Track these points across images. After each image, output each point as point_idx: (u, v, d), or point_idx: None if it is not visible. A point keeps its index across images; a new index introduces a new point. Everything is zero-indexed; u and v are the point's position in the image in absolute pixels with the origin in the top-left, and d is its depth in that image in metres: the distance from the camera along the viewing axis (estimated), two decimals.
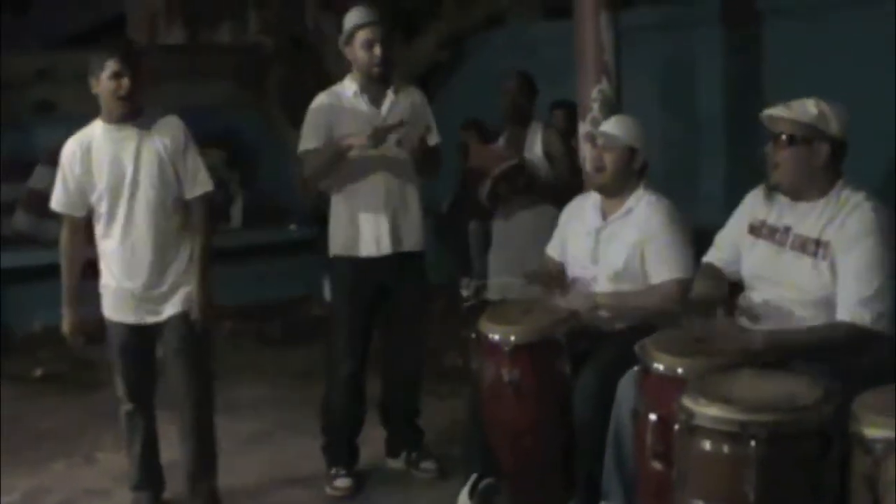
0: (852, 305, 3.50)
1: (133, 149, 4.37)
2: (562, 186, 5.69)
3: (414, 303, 4.97)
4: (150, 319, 4.48)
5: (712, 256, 4.08)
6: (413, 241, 4.90)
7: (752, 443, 2.97)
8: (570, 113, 6.25)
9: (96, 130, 4.40)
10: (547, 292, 4.42)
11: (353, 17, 4.79)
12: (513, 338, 4.12)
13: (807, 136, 3.63)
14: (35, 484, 5.13)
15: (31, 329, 7.69)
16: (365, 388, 5.00)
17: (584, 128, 5.52)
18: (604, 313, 4.28)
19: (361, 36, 4.75)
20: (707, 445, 3.09)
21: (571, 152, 6.05)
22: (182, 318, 4.45)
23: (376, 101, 4.81)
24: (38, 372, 7.05)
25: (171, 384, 4.53)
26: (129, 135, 4.37)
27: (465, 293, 8.82)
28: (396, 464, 5.09)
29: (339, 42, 4.83)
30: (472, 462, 4.48)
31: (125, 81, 4.27)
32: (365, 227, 4.81)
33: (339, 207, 4.86)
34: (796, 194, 3.72)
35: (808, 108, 3.64)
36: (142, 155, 4.37)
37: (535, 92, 6.12)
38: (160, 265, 4.43)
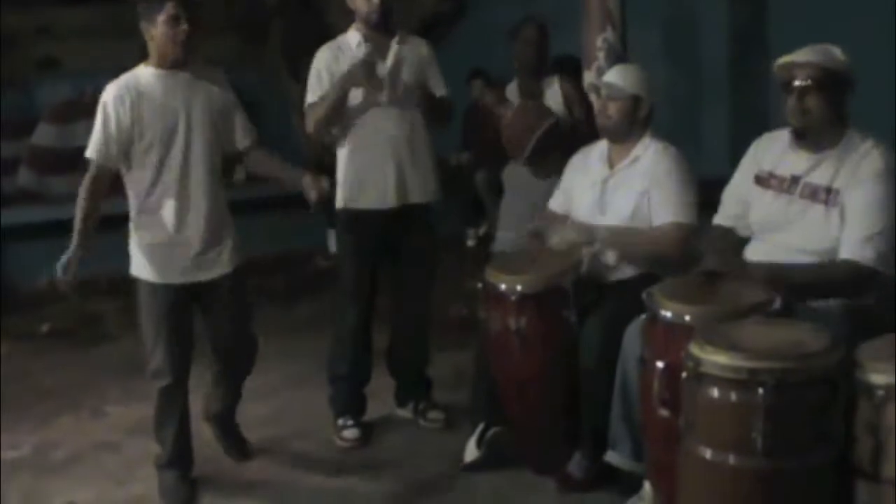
0: (855, 244, 3.51)
1: (185, 96, 4.23)
2: (583, 137, 5.62)
3: (421, 255, 4.97)
4: (203, 277, 4.33)
5: (721, 216, 4.07)
6: (420, 193, 4.89)
7: (760, 390, 2.99)
8: (576, 70, 6.16)
9: (144, 75, 4.22)
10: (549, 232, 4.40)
11: None
12: (519, 287, 4.12)
13: (833, 82, 3.63)
14: (43, 438, 5.16)
15: (35, 286, 7.69)
16: (372, 339, 5.02)
17: (588, 77, 5.49)
18: (603, 254, 4.26)
19: None
20: (714, 393, 3.10)
21: (590, 104, 5.98)
22: (232, 276, 4.38)
23: (380, 52, 4.78)
24: (45, 328, 7.07)
25: (218, 342, 4.49)
26: (181, 82, 4.24)
27: (470, 244, 8.86)
28: (404, 413, 5.12)
29: None
30: (479, 412, 4.51)
31: (183, 26, 4.12)
32: (369, 180, 4.80)
33: (344, 160, 4.85)
34: (818, 144, 3.70)
35: (834, 53, 3.64)
36: (194, 103, 4.25)
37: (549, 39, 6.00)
38: (216, 218, 4.33)
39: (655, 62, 6.34)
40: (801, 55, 3.67)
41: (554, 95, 5.55)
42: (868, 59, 5.50)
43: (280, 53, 8.18)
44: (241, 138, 4.44)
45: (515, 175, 5.54)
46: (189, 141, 4.24)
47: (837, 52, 3.66)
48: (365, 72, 4.61)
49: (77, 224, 4.18)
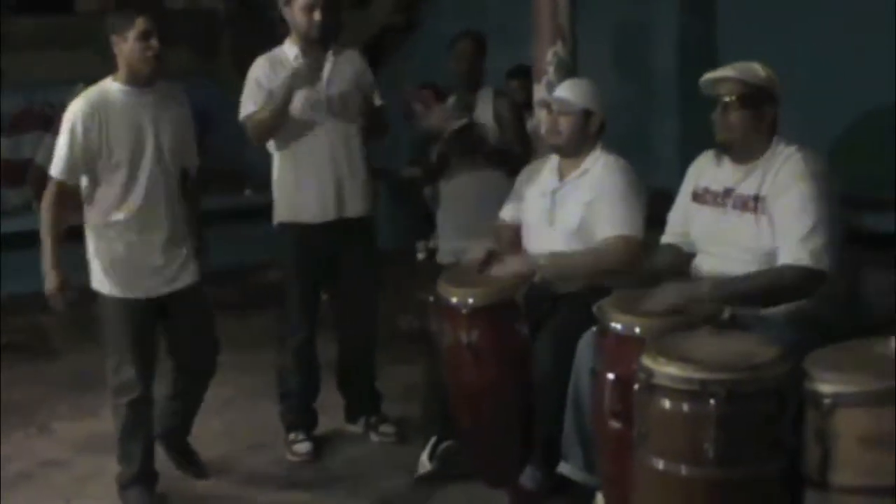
0: (790, 247, 3.55)
1: (153, 114, 4.21)
2: (510, 154, 5.67)
3: (363, 268, 4.94)
4: (165, 290, 4.31)
5: (668, 235, 4.12)
6: (359, 206, 4.87)
7: (712, 401, 3.01)
8: (526, 80, 6.19)
9: (112, 91, 4.18)
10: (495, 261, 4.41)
11: None
12: (471, 300, 4.13)
13: (756, 97, 3.70)
14: None
15: None
16: (317, 354, 5.00)
17: (539, 91, 5.50)
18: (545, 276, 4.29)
19: (301, 0, 4.70)
20: (667, 404, 3.12)
21: (522, 122, 6.02)
22: (196, 287, 4.40)
23: (316, 65, 4.76)
24: (4, 340, 6.95)
25: (182, 353, 4.47)
26: (150, 100, 4.22)
27: (420, 256, 8.85)
28: (355, 428, 5.10)
29: (279, 3, 4.79)
30: (431, 425, 4.51)
31: (154, 42, 4.10)
32: (309, 194, 4.79)
33: (283, 174, 4.83)
34: (744, 156, 3.77)
35: (756, 70, 3.73)
36: (161, 121, 4.23)
37: (485, 53, 6.03)
38: (179, 233, 4.33)
39: (606, 75, 6.37)
40: (722, 72, 3.76)
41: (485, 110, 5.59)
42: (818, 71, 5.59)
43: (232, 65, 8.16)
44: (192, 157, 4.47)
45: (451, 186, 5.57)
46: (157, 159, 4.23)
47: (758, 67, 3.74)
48: (310, 73, 4.62)
49: (45, 235, 4.15)
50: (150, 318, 4.33)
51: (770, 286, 3.58)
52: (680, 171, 4.17)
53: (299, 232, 4.82)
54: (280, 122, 4.70)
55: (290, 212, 4.82)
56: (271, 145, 4.85)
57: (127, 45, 4.11)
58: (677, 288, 3.67)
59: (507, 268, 4.31)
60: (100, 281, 4.29)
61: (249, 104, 4.77)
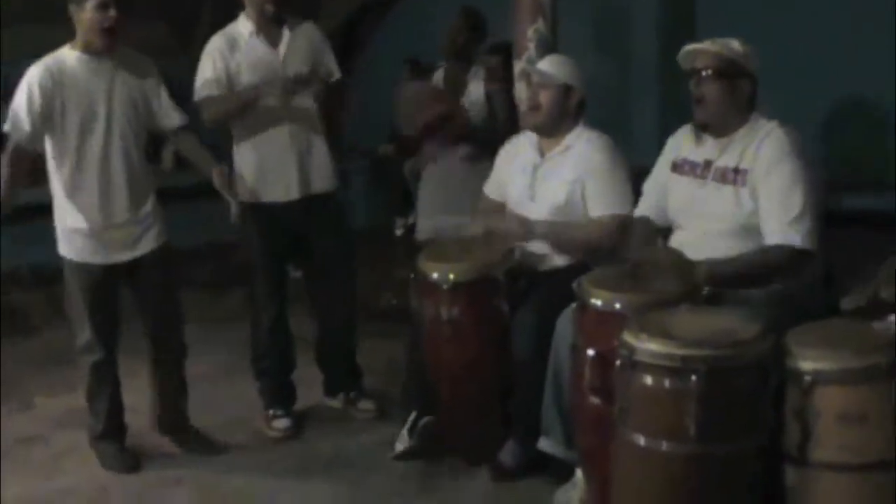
0: (782, 228, 3.58)
1: (107, 82, 4.32)
2: (501, 134, 5.64)
3: (335, 243, 4.92)
4: (126, 256, 4.42)
5: (643, 206, 4.13)
6: (322, 183, 4.86)
7: (693, 377, 3.02)
8: (507, 57, 6.17)
9: (69, 59, 4.30)
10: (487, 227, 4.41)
11: None
12: (451, 276, 4.12)
13: (731, 71, 3.74)
14: None
15: None
16: (290, 330, 5.01)
17: (519, 66, 5.50)
18: (537, 245, 4.30)
19: None
20: (648, 380, 3.13)
21: (513, 99, 6.00)
22: (158, 253, 4.48)
23: (273, 41, 4.75)
24: None
25: (147, 322, 4.55)
26: (105, 68, 4.32)
27: (398, 233, 8.85)
28: (335, 403, 5.10)
29: None
30: (411, 401, 4.50)
31: (111, 12, 4.20)
32: (272, 173, 4.76)
33: (244, 154, 4.80)
34: (721, 129, 3.80)
35: (732, 44, 3.76)
36: (115, 88, 4.33)
37: (483, 31, 5.97)
38: (136, 200, 4.41)
39: (586, 54, 6.36)
40: (700, 45, 3.79)
41: (477, 88, 5.57)
42: (795, 51, 5.62)
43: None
44: (165, 118, 4.51)
45: (431, 167, 5.56)
46: (110, 125, 4.33)
47: (736, 42, 3.77)
48: (286, 90, 4.61)
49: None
50: (110, 282, 4.43)
51: (761, 266, 3.62)
52: (659, 148, 4.18)
53: (263, 212, 4.78)
54: (238, 117, 4.69)
55: (253, 192, 4.78)
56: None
57: (85, 15, 4.22)
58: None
59: (507, 225, 4.34)
60: (62, 245, 4.42)
61: (204, 87, 4.72)
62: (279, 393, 4.96)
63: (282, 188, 4.77)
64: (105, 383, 4.52)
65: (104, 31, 4.23)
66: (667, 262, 3.65)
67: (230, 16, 4.84)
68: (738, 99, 3.76)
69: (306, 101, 4.76)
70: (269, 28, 4.73)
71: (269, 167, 4.76)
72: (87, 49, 4.29)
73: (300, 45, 4.78)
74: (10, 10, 8.84)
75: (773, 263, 3.61)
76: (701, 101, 3.77)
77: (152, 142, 4.62)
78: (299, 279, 5.23)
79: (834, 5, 5.99)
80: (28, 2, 8.87)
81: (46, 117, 4.24)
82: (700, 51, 3.78)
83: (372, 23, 9.40)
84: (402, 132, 6.03)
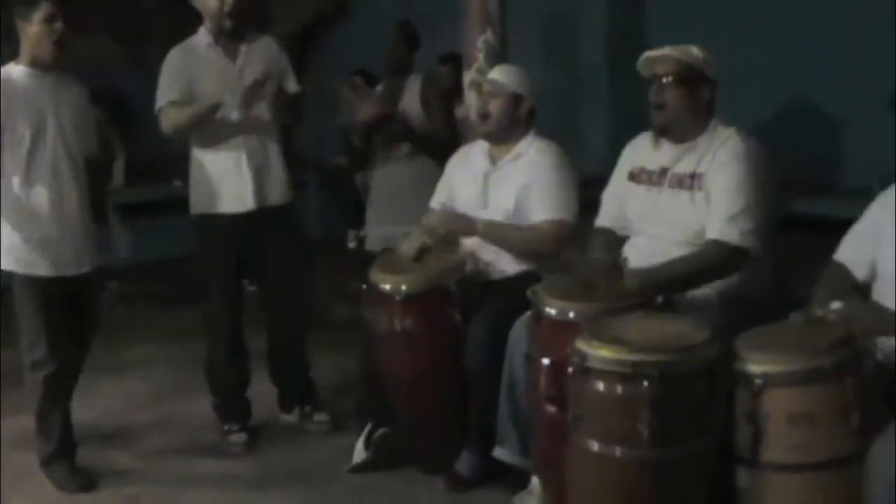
0: (718, 224, 3.63)
1: (53, 96, 4.30)
2: (437, 140, 5.70)
3: (289, 256, 4.91)
4: (76, 271, 4.40)
5: (602, 217, 4.16)
6: (277, 194, 4.84)
7: (645, 383, 3.04)
8: (456, 67, 6.24)
9: (16, 72, 4.28)
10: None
11: None
12: (404, 287, 4.13)
13: (692, 77, 3.78)
14: None
15: None
16: (245, 344, 4.99)
17: (468, 76, 5.53)
18: (488, 254, 4.32)
19: None
20: (601, 386, 3.14)
21: (449, 108, 6.06)
22: (91, 278, 4.47)
23: (230, 52, 4.75)
24: None
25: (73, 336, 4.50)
26: (50, 82, 4.31)
27: (351, 245, 8.83)
28: (290, 418, 5.07)
29: None
30: (365, 413, 4.50)
31: (58, 25, 4.20)
32: (227, 185, 4.74)
33: (199, 166, 4.78)
34: (680, 135, 3.83)
35: (692, 50, 3.81)
36: (61, 103, 4.32)
37: (416, 42, 6.07)
38: (83, 214, 4.40)
39: (535, 63, 6.41)
40: (661, 50, 3.82)
41: (412, 96, 5.62)
42: (744, 57, 5.67)
43: (161, 55, 8.11)
44: (91, 145, 4.51)
45: (380, 174, 5.60)
46: (58, 139, 4.31)
47: (695, 49, 3.81)
48: (244, 101, 4.64)
49: None
50: (64, 295, 4.38)
51: (697, 266, 3.66)
52: (609, 158, 4.22)
53: (218, 224, 4.76)
54: (198, 125, 4.68)
55: (208, 204, 4.76)
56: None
57: (32, 29, 4.21)
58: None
59: (447, 224, 4.38)
60: (8, 260, 4.37)
61: (164, 95, 4.70)
62: (234, 407, 4.94)
63: (236, 199, 4.74)
64: (58, 399, 4.46)
65: (52, 44, 4.22)
66: (599, 272, 3.68)
67: (182, 30, 4.83)
68: (698, 105, 3.80)
69: (263, 113, 4.75)
70: (228, 41, 4.74)
71: (224, 177, 4.74)
72: (34, 63, 4.27)
73: (258, 58, 4.77)
74: None
75: (708, 262, 3.65)
76: (661, 107, 3.80)
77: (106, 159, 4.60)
78: (254, 293, 5.22)
79: (788, 8, 6.05)
80: None
81: None
82: (660, 57, 3.81)
83: (322, 36, 9.40)
84: (350, 145, 6.10)
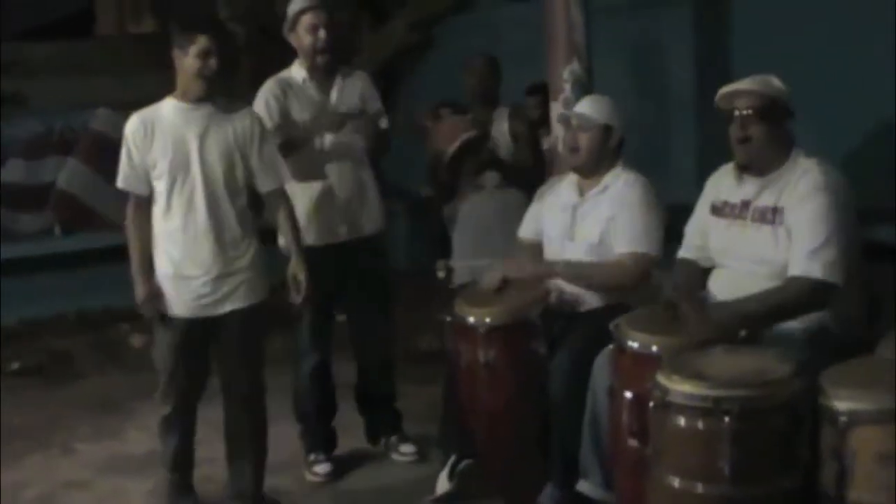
0: (801, 259, 3.57)
1: (200, 130, 4.19)
2: (526, 171, 5.70)
3: (377, 286, 4.96)
4: (209, 313, 4.27)
5: (685, 248, 4.13)
6: (371, 225, 4.91)
7: (726, 418, 3.02)
8: (543, 97, 6.24)
9: (165, 107, 4.23)
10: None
11: (296, 2, 4.79)
12: (487, 319, 4.14)
13: (773, 110, 3.71)
14: (13, 478, 5.09)
15: (6, 323, 7.63)
16: (332, 375, 5.02)
17: (556, 108, 5.52)
18: (572, 287, 4.31)
19: (305, 21, 4.74)
20: (681, 421, 3.13)
21: (537, 140, 6.05)
22: (243, 314, 4.31)
23: (324, 88, 4.83)
24: (15, 365, 7.00)
25: (226, 383, 4.45)
26: (200, 115, 4.21)
27: (440, 276, 8.85)
28: (376, 448, 5.11)
29: (283, 29, 4.83)
30: (449, 444, 4.51)
31: (213, 62, 4.13)
32: (320, 216, 4.80)
33: (293, 196, 4.77)
34: (763, 168, 3.77)
35: (772, 82, 3.74)
36: (209, 137, 4.20)
37: (500, 75, 6.09)
38: (222, 254, 4.24)
39: (622, 91, 6.37)
40: (740, 84, 3.76)
41: (500, 128, 5.63)
42: (833, 85, 5.59)
43: (252, 89, 8.25)
44: (263, 181, 4.38)
45: (467, 205, 5.61)
46: (197, 173, 4.20)
47: (776, 80, 3.75)
48: (335, 129, 4.70)
49: (131, 247, 4.25)
50: (192, 338, 4.29)
51: (780, 302, 3.59)
52: (697, 185, 4.18)
53: (312, 253, 4.76)
54: (291, 156, 4.72)
55: (302, 234, 4.81)
56: None
57: (187, 61, 4.15)
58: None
59: (525, 271, 4.37)
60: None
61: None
62: (320, 438, 4.98)
63: (329, 230, 4.81)
64: (171, 437, 4.43)
65: (203, 79, 4.14)
66: (682, 305, 3.65)
67: (267, 66, 4.91)
68: (781, 137, 3.75)
69: (356, 141, 4.82)
70: (322, 76, 4.82)
71: (317, 209, 4.80)
72: (185, 97, 4.21)
73: (351, 93, 4.87)
74: (56, 60, 9.02)
75: (792, 297, 3.58)
76: (745, 142, 3.74)
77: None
78: (344, 323, 5.25)
79: (868, 33, 5.95)
80: (73, 52, 9.05)
81: (143, 165, 4.18)
82: (739, 91, 3.75)
83: (406, 67, 9.48)
84: (435, 176, 6.09)
